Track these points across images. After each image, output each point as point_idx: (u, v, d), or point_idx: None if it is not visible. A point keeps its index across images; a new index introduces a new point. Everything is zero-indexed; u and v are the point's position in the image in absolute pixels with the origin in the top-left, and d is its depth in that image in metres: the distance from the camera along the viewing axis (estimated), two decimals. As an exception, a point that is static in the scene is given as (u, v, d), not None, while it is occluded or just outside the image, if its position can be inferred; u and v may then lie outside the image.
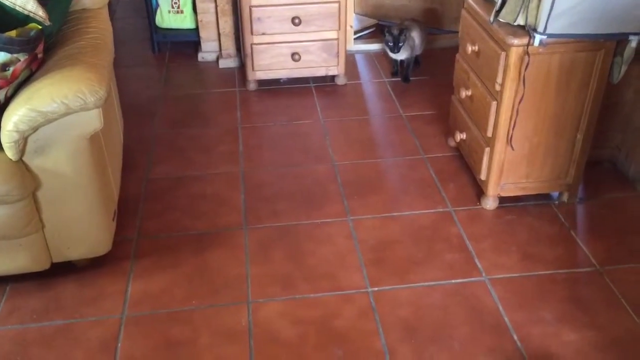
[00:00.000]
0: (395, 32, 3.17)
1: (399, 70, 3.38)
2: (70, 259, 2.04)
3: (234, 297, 2.03)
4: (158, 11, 3.59)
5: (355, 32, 3.67)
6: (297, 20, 3.08)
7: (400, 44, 3.17)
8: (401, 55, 3.25)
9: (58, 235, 1.96)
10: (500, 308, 1.97)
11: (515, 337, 1.87)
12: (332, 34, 3.16)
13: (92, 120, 1.84)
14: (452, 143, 2.75)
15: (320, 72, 3.28)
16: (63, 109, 1.75)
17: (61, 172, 1.86)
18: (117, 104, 2.58)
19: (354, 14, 3.62)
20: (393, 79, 3.37)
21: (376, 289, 2.05)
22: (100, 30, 2.14)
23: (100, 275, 2.10)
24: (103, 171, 2.02)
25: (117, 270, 2.12)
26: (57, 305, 1.99)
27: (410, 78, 3.34)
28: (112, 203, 2.12)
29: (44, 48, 1.98)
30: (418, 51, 3.34)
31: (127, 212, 2.38)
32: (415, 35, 3.25)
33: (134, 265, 2.15)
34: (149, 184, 2.57)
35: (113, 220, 2.12)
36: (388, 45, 3.21)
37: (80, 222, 1.97)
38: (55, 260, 2.01)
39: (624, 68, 2.18)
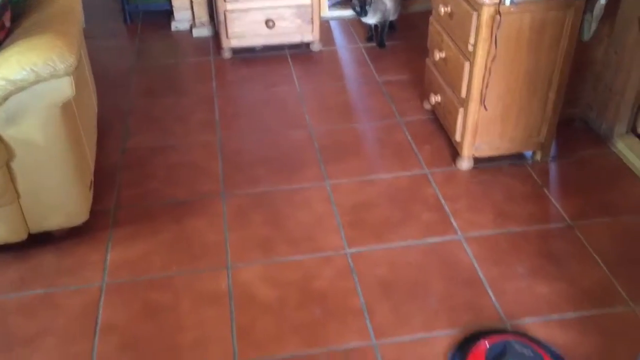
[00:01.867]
0: None
1: (374, 35, 3.37)
2: (48, 229, 2.04)
3: (214, 262, 2.04)
4: (129, -20, 3.53)
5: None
6: (270, -14, 3.05)
7: (367, 7, 3.17)
8: (371, 19, 3.25)
9: (34, 205, 1.95)
10: (476, 265, 2.01)
11: (490, 292, 1.92)
12: (306, 0, 3.14)
13: (63, 88, 1.82)
14: (427, 106, 2.76)
15: (295, 39, 3.26)
16: (33, 76, 1.73)
17: (34, 142, 1.84)
18: (89, 74, 2.55)
19: (328, -20, 3.60)
20: (368, 45, 3.37)
21: (354, 250, 2.08)
22: (68, -3, 2.10)
23: (79, 244, 2.10)
24: (77, 140, 2.01)
25: (95, 239, 2.13)
26: (36, 275, 2.00)
27: (386, 43, 3.34)
28: (88, 172, 2.12)
29: (11, 17, 1.95)
30: (392, 16, 3.33)
31: (104, 182, 2.38)
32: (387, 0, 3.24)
33: (112, 234, 2.16)
34: (126, 154, 2.56)
35: (90, 189, 2.12)
36: (355, 10, 3.22)
37: (56, 192, 1.96)
38: (32, 230, 2.01)
39: (594, 25, 2.21)
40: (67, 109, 1.92)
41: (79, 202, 2.02)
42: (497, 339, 1.71)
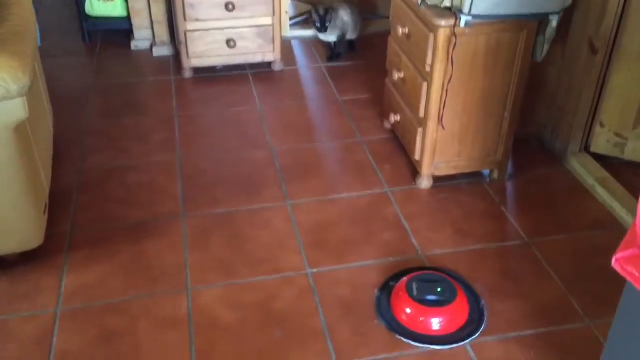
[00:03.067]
0: (322, 11, 3.22)
1: (332, 49, 3.42)
2: (0, 254, 1.98)
3: (173, 285, 2.01)
4: (87, -1, 3.49)
5: (291, 18, 3.67)
6: (230, 6, 3.05)
7: (327, 24, 3.22)
8: (331, 36, 3.31)
9: (-15, 230, 1.89)
10: (436, 283, 2.03)
11: (450, 310, 1.93)
12: (267, 20, 3.16)
13: (16, 110, 1.79)
14: (387, 125, 2.79)
15: (257, 59, 3.27)
16: (-17, 98, 1.69)
17: (-15, 165, 1.79)
18: (45, 93, 2.50)
19: (289, 0, 3.62)
20: (329, 64, 3.40)
21: (315, 270, 2.08)
22: (22, 17, 2.06)
23: (33, 269, 2.05)
24: (31, 163, 1.97)
25: (50, 263, 2.07)
26: (-13, 302, 1.93)
27: (342, 59, 3.40)
28: (42, 196, 2.07)
29: (-38, 36, 1.91)
30: (351, 34, 3.39)
31: (60, 204, 2.33)
32: (345, 15, 3.30)
33: (68, 258, 2.10)
34: (83, 175, 2.51)
35: (44, 213, 2.07)
36: (315, 26, 3.26)
37: (9, 216, 1.91)
38: (-17, 256, 1.95)
39: (546, 47, 2.27)
40: (21, 131, 1.87)
41: (32, 226, 1.97)
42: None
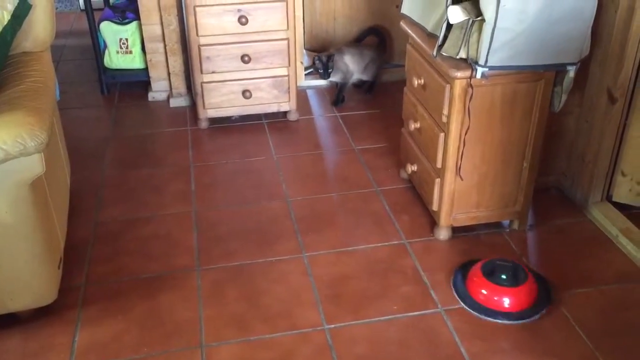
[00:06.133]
0: (324, 58, 3.31)
1: (336, 93, 3.49)
2: (13, 310, 1.95)
3: (187, 341, 1.97)
4: (106, 52, 3.56)
5: (306, 68, 3.70)
6: (246, 58, 3.09)
7: (329, 70, 3.31)
8: (333, 78, 3.42)
9: (-1, 286, 1.88)
10: (457, 339, 1.96)
11: (473, 368, 1.86)
12: (283, 71, 3.18)
13: (33, 166, 1.79)
14: (404, 175, 2.77)
15: (272, 109, 3.28)
16: (1, 154, 1.69)
17: (1, 221, 1.79)
18: (62, 147, 2.52)
19: (303, 50, 3.66)
20: (345, 113, 3.40)
21: (332, 326, 2.02)
22: (41, 73, 2.09)
23: (46, 326, 2.02)
24: (47, 218, 1.96)
25: (63, 319, 2.04)
26: (-1, 360, 1.90)
27: (341, 102, 3.47)
28: (57, 250, 2.05)
29: (-18, 93, 1.93)
30: (366, 76, 3.47)
31: (74, 258, 2.31)
32: (350, 61, 3.38)
33: (81, 313, 2.07)
34: (98, 227, 2.50)
35: (59, 268, 2.05)
36: (319, 72, 3.35)
37: (23, 273, 1.89)
38: (-4, 312, 1.93)
39: (564, 97, 2.25)
40: (37, 186, 1.87)
41: (47, 282, 1.95)
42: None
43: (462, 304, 2.10)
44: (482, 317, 2.04)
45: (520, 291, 2.06)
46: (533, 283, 2.10)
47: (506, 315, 2.05)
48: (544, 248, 2.38)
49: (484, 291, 2.08)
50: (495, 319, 2.04)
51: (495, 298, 2.06)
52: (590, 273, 2.23)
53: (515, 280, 2.08)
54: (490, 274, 2.10)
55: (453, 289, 2.16)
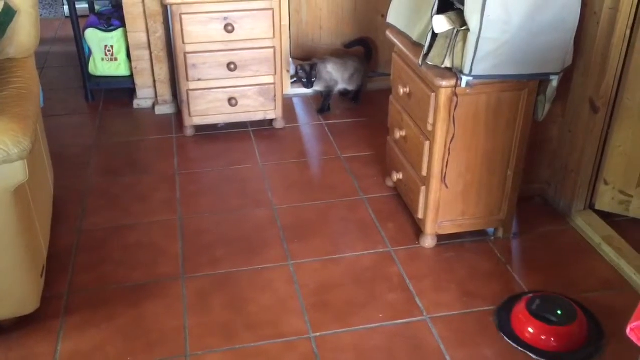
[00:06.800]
0: (307, 67, 3.35)
1: (322, 103, 3.50)
2: (-5, 319, 1.93)
3: (172, 350, 1.95)
4: (91, 59, 3.54)
5: (292, 77, 3.71)
6: (232, 66, 3.09)
7: (312, 79, 3.34)
8: (317, 87, 3.44)
9: (-20, 295, 1.85)
10: (442, 347, 1.97)
11: (458, 376, 1.87)
12: (269, 79, 3.19)
13: (16, 173, 1.77)
14: (389, 183, 2.78)
15: (258, 117, 3.28)
16: (-16, 162, 1.68)
17: (-17, 228, 1.77)
18: (46, 154, 2.50)
19: (290, 59, 3.67)
20: (331, 121, 3.41)
21: (318, 334, 2.02)
22: (25, 79, 2.08)
23: (28, 335, 1.99)
24: (30, 226, 1.94)
25: (46, 329, 2.02)
26: (-21, 370, 1.87)
27: (341, 116, 3.47)
28: (40, 258, 2.03)
29: (-35, 99, 1.91)
30: (350, 85, 3.51)
31: (58, 266, 2.29)
32: (333, 69, 3.41)
33: (64, 322, 2.05)
34: (82, 235, 2.48)
35: (41, 276, 2.03)
36: (302, 82, 3.38)
37: (5, 281, 1.87)
38: (-23, 321, 1.90)
39: (547, 106, 2.28)
40: (20, 193, 1.85)
41: (29, 291, 1.93)
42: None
43: (509, 340, 1.97)
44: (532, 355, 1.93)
45: (571, 329, 1.95)
46: (583, 319, 1.99)
47: (557, 356, 1.92)
48: (528, 256, 2.39)
49: (530, 329, 1.96)
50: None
51: (543, 337, 1.94)
52: (574, 280, 2.25)
53: (565, 318, 1.96)
54: (537, 310, 1.97)
55: (497, 326, 2.03)
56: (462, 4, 2.02)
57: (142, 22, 3.35)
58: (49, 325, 2.03)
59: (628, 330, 1.16)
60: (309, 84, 3.38)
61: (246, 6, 3.00)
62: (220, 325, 2.05)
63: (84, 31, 3.49)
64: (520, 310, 2.01)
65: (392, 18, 2.51)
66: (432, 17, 2.06)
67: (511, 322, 2.02)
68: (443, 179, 2.27)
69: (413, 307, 2.13)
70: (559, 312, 1.97)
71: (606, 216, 2.52)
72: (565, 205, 2.58)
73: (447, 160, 2.23)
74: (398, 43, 2.43)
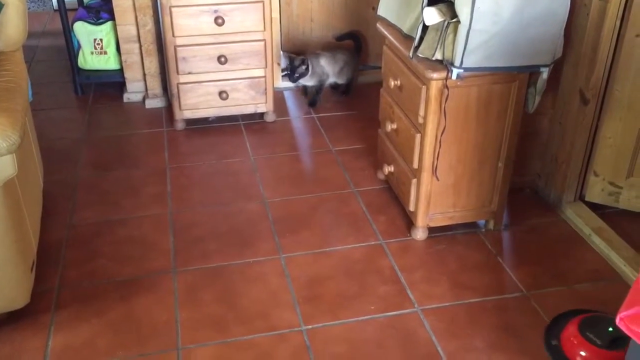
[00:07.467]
0: (297, 61, 3.30)
1: (309, 95, 3.50)
2: (-16, 314, 1.92)
3: (163, 344, 1.95)
4: (80, 53, 3.51)
5: (283, 70, 3.69)
6: (223, 59, 3.08)
7: (296, 75, 3.30)
8: (309, 82, 3.41)
9: (-31, 290, 1.84)
10: (434, 338, 1.98)
11: (449, 367, 1.88)
12: (259, 72, 3.18)
13: (5, 167, 1.76)
14: (381, 176, 2.78)
15: (249, 110, 3.27)
16: (-28, 156, 1.66)
17: (-29, 223, 1.75)
18: (35, 148, 2.48)
19: (280, 52, 3.66)
20: (322, 114, 3.41)
21: (310, 326, 2.02)
22: (13, 73, 2.06)
23: (18, 330, 1.98)
24: (19, 220, 1.93)
25: (36, 323, 2.01)
26: (-31, 365, 1.86)
27: (319, 104, 3.47)
28: (30, 253, 2.02)
29: (-48, 93, 1.89)
30: (340, 79, 3.48)
31: (48, 260, 2.27)
32: (325, 63, 3.38)
33: (54, 317, 2.04)
34: (72, 230, 2.47)
35: (31, 271, 2.01)
36: (287, 74, 3.34)
37: (-5, 275, 1.86)
38: (-33, 317, 1.89)
39: (537, 98, 2.28)
40: (9, 188, 1.84)
41: (19, 285, 1.92)
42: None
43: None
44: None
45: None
46: None
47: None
48: (519, 247, 2.40)
49: (582, 353, 1.84)
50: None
51: None
52: (564, 272, 2.26)
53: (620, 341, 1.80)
54: (590, 332, 1.85)
55: (546, 349, 1.92)
56: (453, -5, 2.02)
57: (131, 15, 3.32)
58: (39, 320, 2.02)
59: (618, 320, 1.17)
60: (291, 78, 3.33)
61: (236, -1, 2.99)
62: (211, 319, 2.04)
63: (72, 24, 3.46)
64: (571, 333, 1.88)
65: (382, 10, 2.50)
66: (422, 9, 2.06)
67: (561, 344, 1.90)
68: (434, 171, 2.27)
69: (404, 299, 2.14)
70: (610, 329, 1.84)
71: (596, 207, 2.53)
72: (556, 197, 2.59)
73: (438, 152, 2.24)
74: (389, 35, 2.43)
